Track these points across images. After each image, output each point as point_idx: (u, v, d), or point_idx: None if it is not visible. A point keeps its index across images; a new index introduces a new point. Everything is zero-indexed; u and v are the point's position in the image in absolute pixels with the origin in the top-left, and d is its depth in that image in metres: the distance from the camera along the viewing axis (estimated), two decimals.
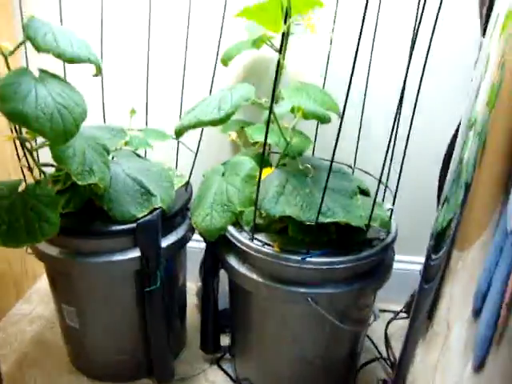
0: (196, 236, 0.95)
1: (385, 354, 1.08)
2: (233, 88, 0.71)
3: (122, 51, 1.12)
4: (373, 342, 1.13)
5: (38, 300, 1.24)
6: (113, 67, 1.08)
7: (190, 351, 1.11)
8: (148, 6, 0.99)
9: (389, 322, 1.12)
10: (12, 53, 0.73)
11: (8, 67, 0.72)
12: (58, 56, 0.70)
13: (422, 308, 0.71)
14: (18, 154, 0.84)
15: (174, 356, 1.05)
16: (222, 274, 0.94)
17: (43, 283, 1.29)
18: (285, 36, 0.63)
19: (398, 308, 1.10)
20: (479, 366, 0.56)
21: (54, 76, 0.72)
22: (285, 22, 0.60)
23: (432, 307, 0.67)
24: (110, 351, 0.98)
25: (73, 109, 0.69)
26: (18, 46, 0.73)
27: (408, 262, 1.17)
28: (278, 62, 0.63)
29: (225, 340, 1.06)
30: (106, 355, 0.99)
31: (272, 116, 0.73)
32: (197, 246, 1.01)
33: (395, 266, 0.89)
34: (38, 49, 0.69)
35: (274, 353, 0.90)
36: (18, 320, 1.17)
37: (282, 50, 0.64)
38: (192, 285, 1.21)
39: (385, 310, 1.17)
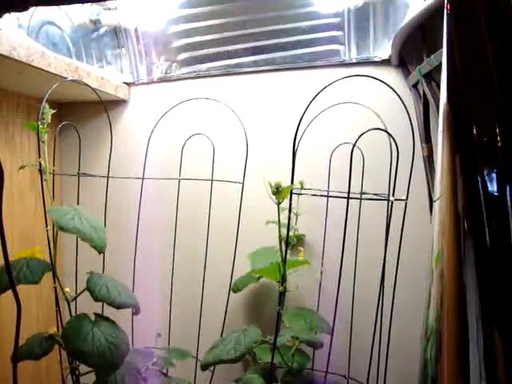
0: None
1: None
2: (245, 331, 0.92)
3: (150, 287, 1.35)
4: None
5: None
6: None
7: None
8: (172, 251, 1.24)
9: None
10: (73, 300, 0.94)
11: (70, 311, 0.93)
12: (110, 304, 0.91)
13: None
14: (62, 377, 1.02)
15: None
16: None
17: None
18: (281, 295, 0.84)
19: None
20: None
21: (106, 318, 0.92)
22: (282, 284, 0.83)
23: None
24: None
25: (120, 346, 0.88)
26: (78, 295, 0.95)
27: None
28: (278, 312, 0.84)
29: None
30: None
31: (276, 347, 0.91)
32: None
33: None
34: (96, 299, 0.90)
35: None
36: None
37: (280, 303, 0.85)
38: None
39: None
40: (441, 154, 0.80)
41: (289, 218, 0.79)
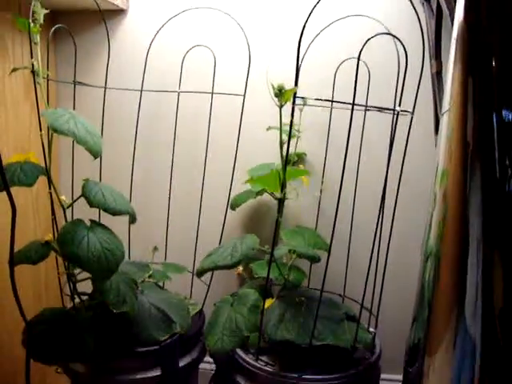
0: (206, 358, 1.09)
1: None
2: (242, 239, 0.90)
3: (147, 198, 1.33)
4: None
5: None
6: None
7: None
8: (170, 167, 1.22)
9: None
10: (69, 206, 0.93)
11: (65, 217, 0.92)
12: (105, 210, 0.90)
13: None
14: (60, 285, 1.02)
15: None
16: None
17: None
18: (281, 201, 0.82)
19: None
20: None
21: (101, 225, 0.91)
22: (281, 190, 0.81)
23: None
24: None
25: (115, 252, 0.87)
26: (73, 202, 0.93)
27: (397, 381, 1.28)
28: (277, 220, 0.82)
29: None
30: None
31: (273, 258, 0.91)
32: (207, 367, 1.15)
33: None
34: (91, 205, 0.89)
35: None
36: None
37: (279, 211, 0.83)
38: None
39: None
40: (451, 72, 0.77)
41: (291, 123, 0.76)
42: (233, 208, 1.17)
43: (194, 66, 1.23)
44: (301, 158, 1.19)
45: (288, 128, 0.76)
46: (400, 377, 1.27)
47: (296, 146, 1.18)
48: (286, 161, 0.79)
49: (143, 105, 1.20)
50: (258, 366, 0.94)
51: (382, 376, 1.07)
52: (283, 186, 0.80)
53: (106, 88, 1.15)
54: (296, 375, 0.91)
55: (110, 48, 1.17)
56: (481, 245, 0.68)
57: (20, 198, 1.19)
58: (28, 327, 0.89)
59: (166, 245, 1.24)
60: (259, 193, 1.13)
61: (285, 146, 0.80)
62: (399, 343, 1.18)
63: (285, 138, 0.81)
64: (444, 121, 0.79)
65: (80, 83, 1.12)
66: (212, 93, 1.16)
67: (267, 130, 0.93)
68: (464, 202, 0.71)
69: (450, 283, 0.72)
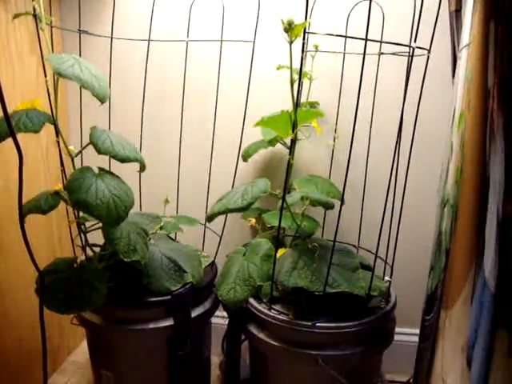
0: (219, 313, 1.08)
1: None
2: (253, 182, 0.88)
3: (158, 151, 1.31)
4: None
5: (72, 372, 1.35)
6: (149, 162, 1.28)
7: None
8: (180, 119, 1.19)
9: None
10: (77, 155, 0.91)
11: (74, 165, 0.90)
12: (113, 157, 0.88)
13: (422, 367, 0.82)
14: (71, 236, 1.02)
15: None
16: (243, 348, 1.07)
17: (78, 356, 1.41)
18: (293, 142, 0.79)
19: (406, 379, 1.19)
20: None
21: (110, 172, 0.90)
22: (292, 131, 0.78)
23: (428, 367, 0.78)
24: None
25: (124, 198, 0.86)
26: (82, 150, 0.91)
27: (414, 335, 1.27)
28: (289, 161, 0.80)
29: None
30: None
31: (285, 204, 0.89)
32: (220, 321, 1.15)
33: (402, 338, 1.01)
34: (99, 152, 0.87)
35: None
36: None
37: (291, 152, 0.80)
38: (215, 359, 1.32)
39: (393, 381, 1.25)
40: (471, 6, 0.73)
41: (301, 60, 0.73)
42: (244, 159, 1.15)
43: (202, 15, 1.19)
44: (313, 107, 1.15)
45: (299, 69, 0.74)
46: (416, 331, 1.28)
47: (308, 95, 1.14)
48: (297, 99, 0.76)
49: (151, 56, 1.17)
50: (271, 314, 0.93)
51: (397, 330, 1.06)
52: (294, 127, 0.77)
53: (112, 38, 1.13)
54: (309, 323, 0.90)
55: None
56: (502, 191, 0.65)
57: (30, 151, 1.18)
58: (40, 276, 0.89)
59: (178, 198, 1.22)
60: (271, 142, 1.10)
61: (295, 86, 0.76)
62: (415, 295, 1.17)
63: (296, 78, 0.78)
64: (462, 59, 0.75)
65: (85, 32, 1.09)
66: (221, 40, 1.12)
67: (277, 69, 0.89)
68: (483, 146, 0.67)
69: (468, 232, 0.69)
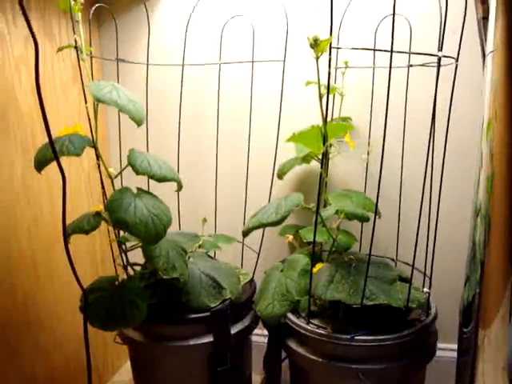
0: (260, 331, 1.09)
1: None
2: (286, 197, 0.90)
3: (195, 173, 1.35)
4: None
5: None
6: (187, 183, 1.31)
7: None
8: (215, 138, 1.22)
9: None
10: (116, 176, 0.95)
11: (113, 186, 0.94)
12: (151, 177, 0.91)
13: (463, 380, 0.80)
14: (113, 255, 1.05)
15: None
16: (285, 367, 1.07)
17: (121, 376, 1.44)
18: (324, 155, 0.80)
19: None
20: None
21: (148, 192, 0.93)
22: (323, 144, 0.79)
23: None
24: None
25: (162, 217, 0.89)
26: (121, 171, 0.95)
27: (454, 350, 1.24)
28: (321, 174, 0.81)
29: None
30: None
31: (320, 218, 0.90)
32: (261, 340, 1.15)
33: (446, 354, 0.98)
34: (137, 172, 0.90)
35: None
36: None
37: (322, 165, 0.82)
38: (257, 378, 1.32)
39: None
40: (495, 10, 0.73)
41: (329, 74, 0.74)
42: (280, 177, 1.16)
43: (233, 37, 1.23)
44: (346, 122, 1.16)
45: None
46: (456, 346, 1.24)
47: (340, 111, 1.16)
48: (326, 113, 0.77)
49: (186, 80, 1.21)
50: (310, 328, 0.93)
51: (441, 345, 1.04)
52: (325, 140, 0.79)
53: (148, 64, 1.17)
54: (348, 336, 0.89)
55: (149, 24, 1.19)
56: None
57: (73, 176, 1.23)
58: (84, 294, 0.92)
59: (216, 217, 1.25)
60: (305, 159, 1.11)
61: (324, 100, 0.78)
62: (455, 307, 1.15)
63: (324, 92, 0.79)
64: (487, 67, 0.75)
65: (122, 60, 1.14)
66: (252, 61, 1.15)
67: (306, 84, 0.91)
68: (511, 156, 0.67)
69: (503, 245, 0.68)
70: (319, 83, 0.77)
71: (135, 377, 1.11)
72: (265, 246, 1.13)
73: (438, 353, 1.01)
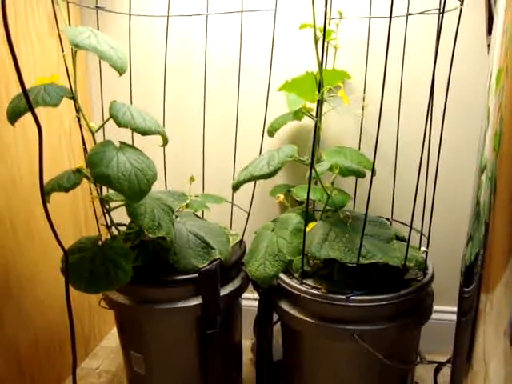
0: (250, 295, 1.05)
1: None
2: (279, 148, 0.84)
3: (181, 129, 1.29)
4: None
5: (104, 356, 1.34)
6: (173, 140, 1.25)
7: None
8: (203, 92, 1.16)
9: (437, 372, 1.15)
10: (97, 130, 0.89)
11: (94, 141, 0.88)
12: (134, 129, 0.85)
13: (462, 349, 0.77)
14: (95, 215, 1.00)
15: None
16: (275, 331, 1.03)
17: (109, 341, 1.41)
18: (319, 103, 0.75)
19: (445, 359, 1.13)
20: None
21: (131, 146, 0.87)
22: (318, 91, 0.74)
23: (469, 350, 0.73)
24: None
25: (146, 171, 0.83)
26: (103, 125, 0.89)
27: (454, 313, 1.22)
28: (316, 124, 0.76)
29: None
30: None
31: (314, 174, 0.85)
32: (251, 304, 1.11)
33: (441, 316, 0.95)
34: (119, 124, 0.84)
35: None
36: (86, 374, 1.27)
37: (318, 114, 0.76)
38: (247, 342, 1.29)
39: (433, 362, 1.20)
40: None
41: (325, 14, 0.68)
42: (270, 134, 1.11)
43: None
44: None
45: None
46: (454, 308, 1.22)
47: (334, 63, 1.10)
48: (322, 58, 0.71)
49: (171, 33, 1.14)
50: (303, 289, 0.89)
51: (436, 308, 1.00)
52: (320, 87, 0.73)
53: (130, 14, 1.10)
54: (343, 297, 0.86)
55: None
56: None
57: (53, 133, 1.16)
58: (65, 254, 0.87)
59: (203, 176, 1.19)
60: (297, 115, 1.06)
61: (320, 44, 0.72)
62: (454, 270, 1.12)
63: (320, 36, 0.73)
64: (499, 15, 0.69)
65: (102, 9, 1.07)
66: (242, 11, 1.08)
67: (300, 28, 0.85)
68: None
69: (509, 210, 0.64)
70: (315, 24, 0.72)
71: (122, 342, 1.07)
72: (255, 207, 1.09)
73: (435, 315, 0.98)
